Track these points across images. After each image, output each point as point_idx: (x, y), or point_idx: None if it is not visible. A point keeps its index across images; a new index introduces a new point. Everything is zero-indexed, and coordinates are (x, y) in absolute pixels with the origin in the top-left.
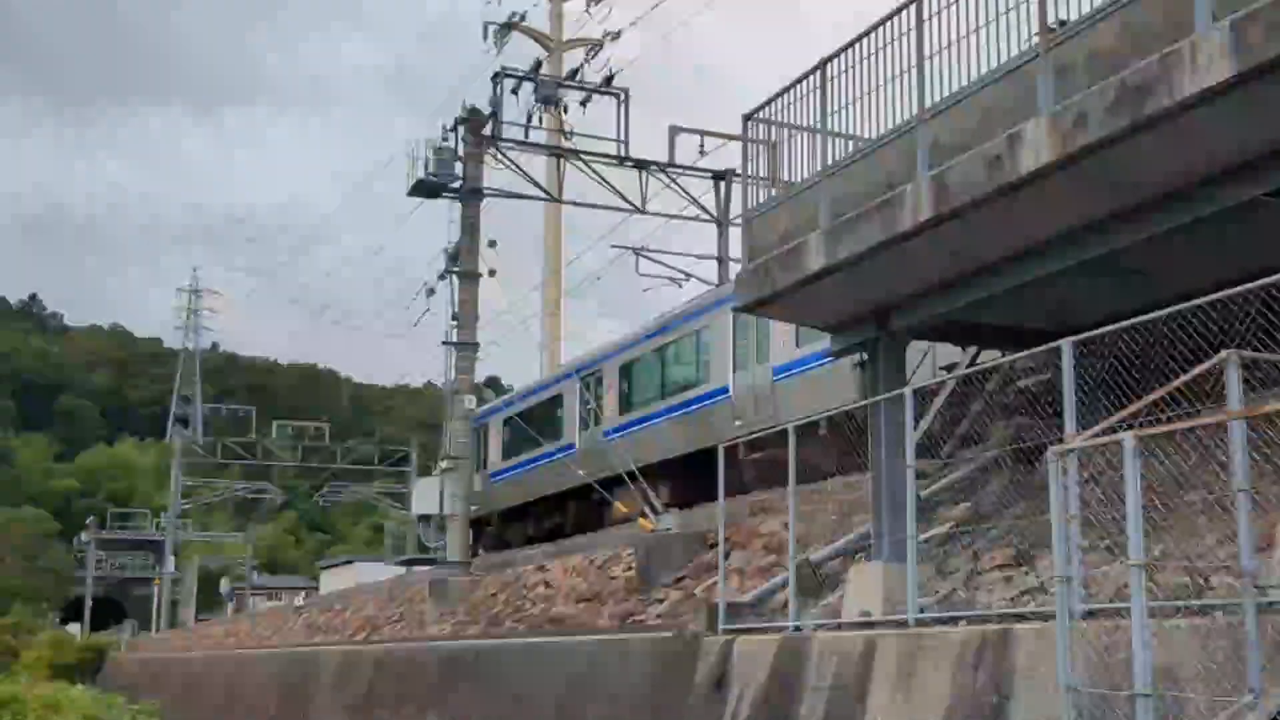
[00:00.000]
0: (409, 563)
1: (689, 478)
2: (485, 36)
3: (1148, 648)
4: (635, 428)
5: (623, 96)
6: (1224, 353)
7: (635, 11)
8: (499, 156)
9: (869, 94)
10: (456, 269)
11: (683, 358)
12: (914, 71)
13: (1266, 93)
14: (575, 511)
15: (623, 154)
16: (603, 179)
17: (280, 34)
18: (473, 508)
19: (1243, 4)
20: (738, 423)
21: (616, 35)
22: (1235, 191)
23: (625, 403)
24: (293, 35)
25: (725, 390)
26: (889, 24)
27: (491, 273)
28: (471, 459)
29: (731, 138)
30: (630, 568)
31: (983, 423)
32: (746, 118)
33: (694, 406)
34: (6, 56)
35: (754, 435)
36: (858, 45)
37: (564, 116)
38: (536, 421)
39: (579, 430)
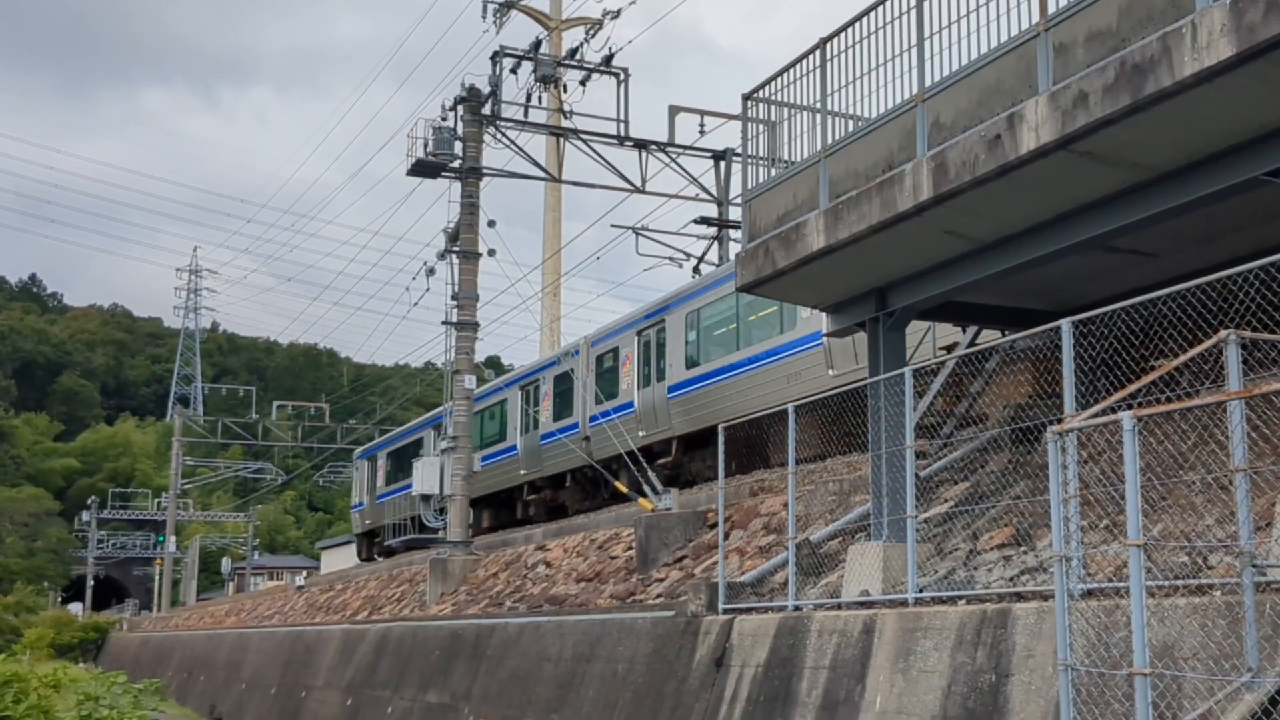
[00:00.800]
0: (410, 543)
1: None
2: (485, 15)
3: (1146, 627)
4: (489, 461)
5: (622, 76)
6: (1223, 333)
7: None
8: (498, 136)
9: (869, 73)
10: (456, 249)
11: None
12: (914, 50)
13: (1266, 72)
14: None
15: (622, 133)
16: (602, 159)
17: (280, 12)
18: (366, 521)
19: None
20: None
21: (616, 14)
22: (1235, 171)
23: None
24: (293, 13)
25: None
26: (889, 2)
27: (491, 252)
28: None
29: (731, 117)
30: (630, 547)
31: (983, 402)
32: (746, 97)
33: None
34: (8, 35)
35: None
36: (858, 24)
37: (563, 96)
38: (406, 456)
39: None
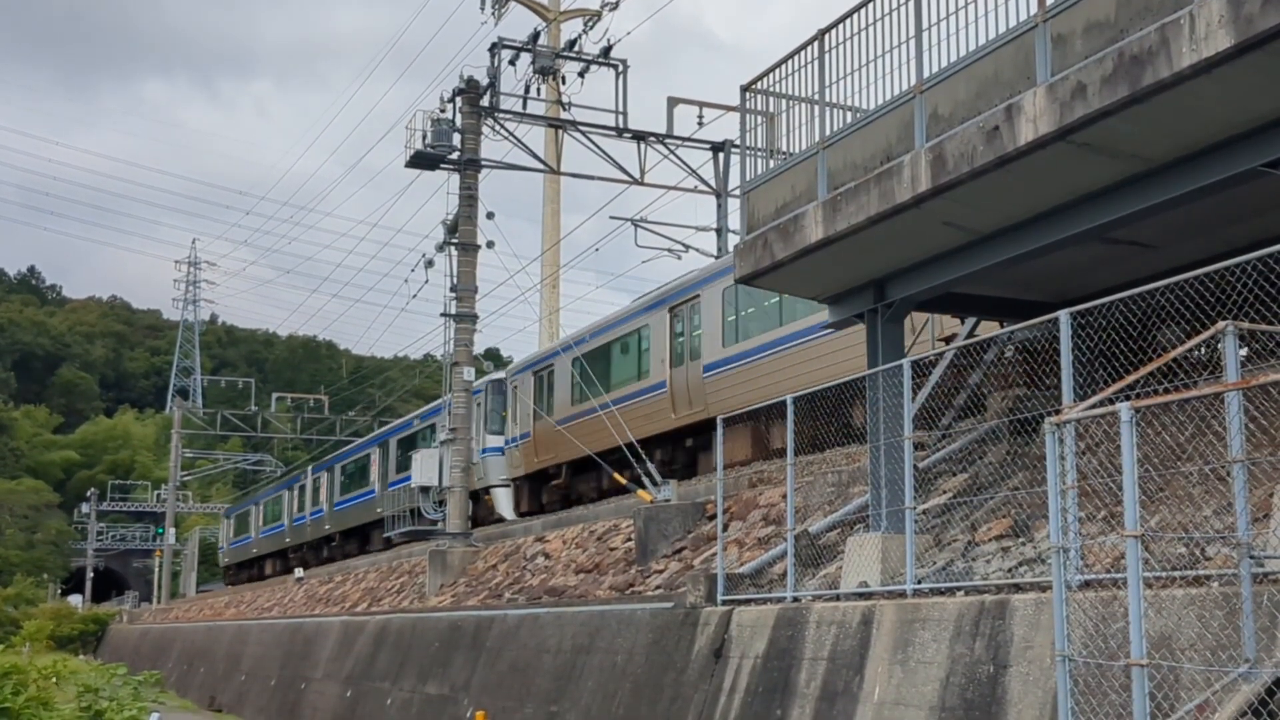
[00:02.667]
0: (409, 535)
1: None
2: (483, 7)
3: (1143, 618)
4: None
5: (621, 67)
6: (1221, 324)
7: None
8: (497, 127)
9: (867, 65)
10: (455, 241)
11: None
12: (912, 42)
13: (1264, 63)
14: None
15: (621, 125)
16: (601, 150)
17: (281, 2)
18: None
19: None
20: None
21: (615, 5)
22: (1233, 162)
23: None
24: (293, 4)
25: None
26: None
27: (490, 244)
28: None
29: (730, 109)
30: (629, 539)
31: (982, 393)
32: (744, 88)
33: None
34: (10, 27)
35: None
36: (856, 15)
37: (562, 87)
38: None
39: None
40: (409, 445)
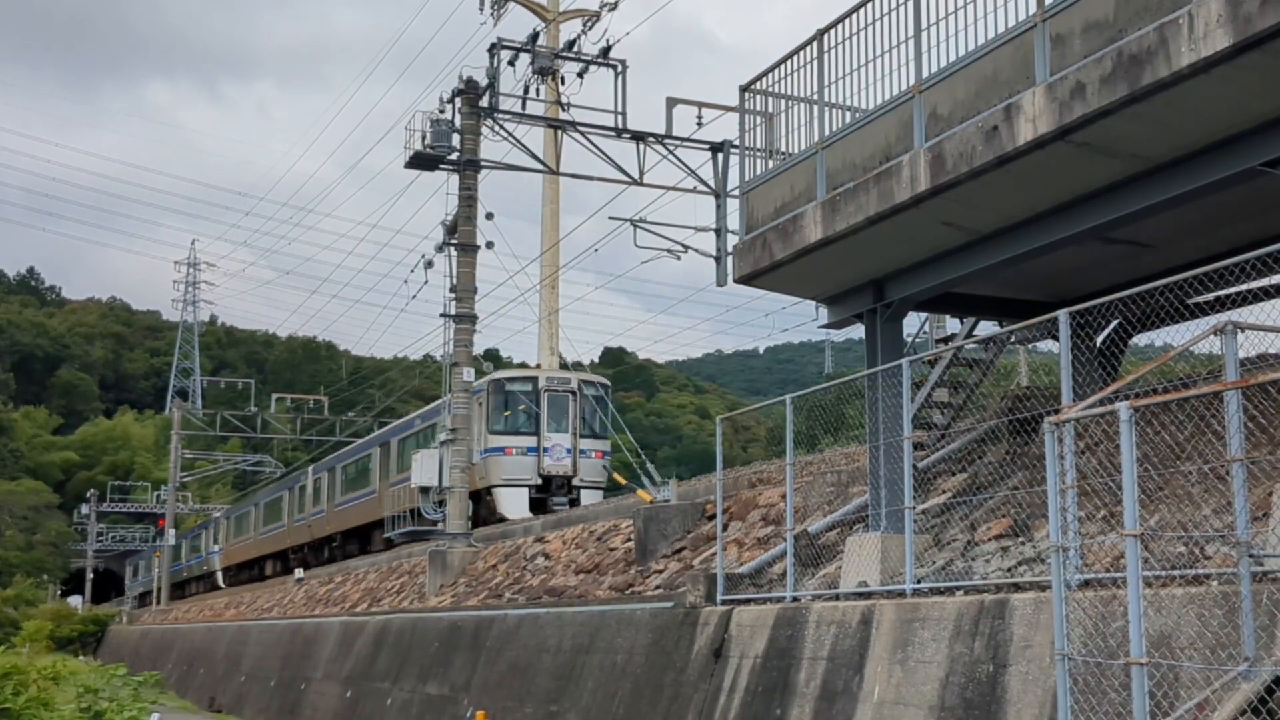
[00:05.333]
0: (409, 535)
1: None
2: (482, 7)
3: (1143, 617)
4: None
5: (620, 68)
6: (1220, 321)
7: None
8: (496, 128)
9: (866, 65)
10: (454, 241)
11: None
12: (911, 42)
13: (1263, 63)
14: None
15: (620, 125)
16: (600, 151)
17: (282, 4)
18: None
19: None
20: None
21: (614, 6)
22: (1232, 162)
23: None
24: (294, 6)
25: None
26: None
27: (489, 245)
28: (469, 430)
29: (729, 109)
30: (629, 539)
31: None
32: (743, 88)
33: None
34: (14, 29)
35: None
36: (855, 15)
37: (561, 88)
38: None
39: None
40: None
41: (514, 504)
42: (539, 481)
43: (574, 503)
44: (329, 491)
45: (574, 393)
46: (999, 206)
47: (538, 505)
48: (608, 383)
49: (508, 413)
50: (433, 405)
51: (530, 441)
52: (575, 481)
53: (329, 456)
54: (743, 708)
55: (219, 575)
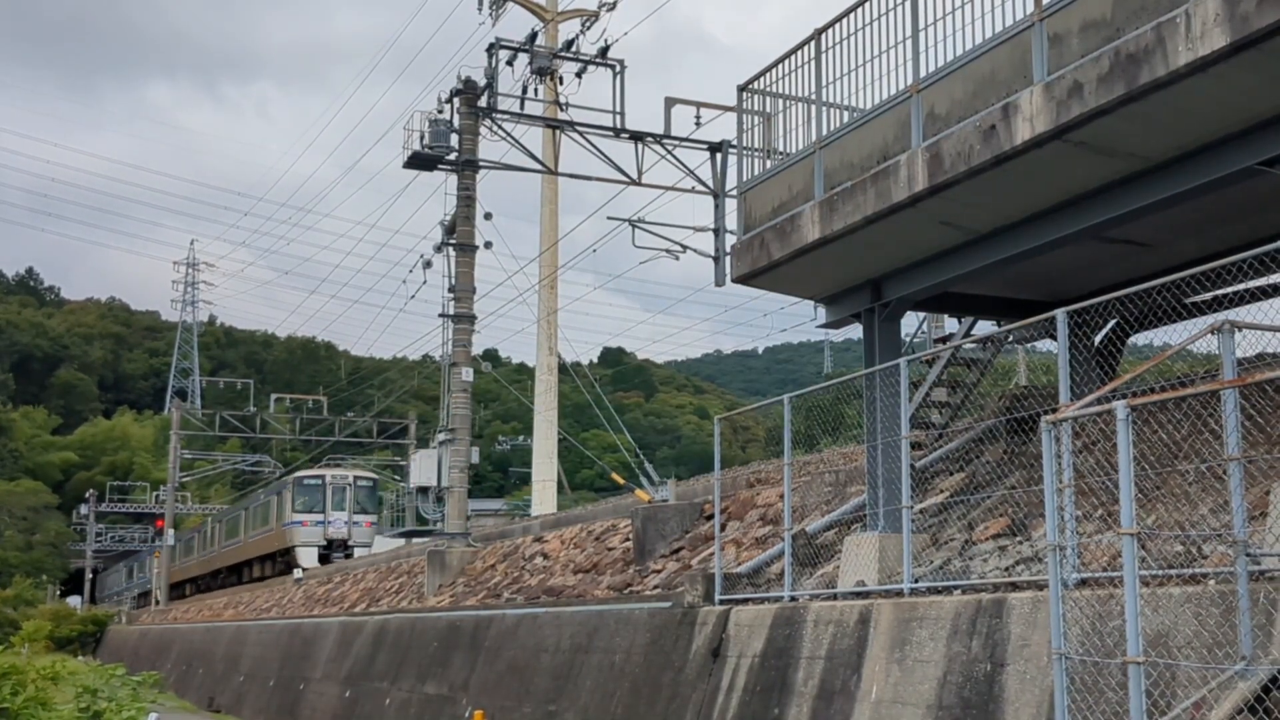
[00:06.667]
0: (408, 534)
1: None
2: (481, 7)
3: (1140, 616)
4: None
5: (618, 68)
6: (1217, 319)
7: None
8: (494, 128)
9: (864, 64)
10: (453, 241)
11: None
12: (908, 42)
13: (1259, 62)
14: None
15: (619, 126)
16: (599, 151)
17: (283, 5)
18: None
19: None
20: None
21: (612, 6)
22: (1229, 161)
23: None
24: (294, 6)
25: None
26: None
27: (488, 245)
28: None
29: (727, 109)
30: (627, 539)
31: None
32: (741, 88)
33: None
34: (15, 31)
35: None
36: (853, 15)
37: (559, 88)
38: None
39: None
40: (257, 514)
41: (308, 557)
42: (325, 543)
43: (348, 555)
44: (218, 537)
45: (349, 485)
46: (997, 206)
47: (324, 559)
48: (376, 477)
49: (305, 498)
50: (272, 485)
51: (319, 517)
52: (350, 542)
53: (221, 510)
54: (741, 707)
55: (156, 594)
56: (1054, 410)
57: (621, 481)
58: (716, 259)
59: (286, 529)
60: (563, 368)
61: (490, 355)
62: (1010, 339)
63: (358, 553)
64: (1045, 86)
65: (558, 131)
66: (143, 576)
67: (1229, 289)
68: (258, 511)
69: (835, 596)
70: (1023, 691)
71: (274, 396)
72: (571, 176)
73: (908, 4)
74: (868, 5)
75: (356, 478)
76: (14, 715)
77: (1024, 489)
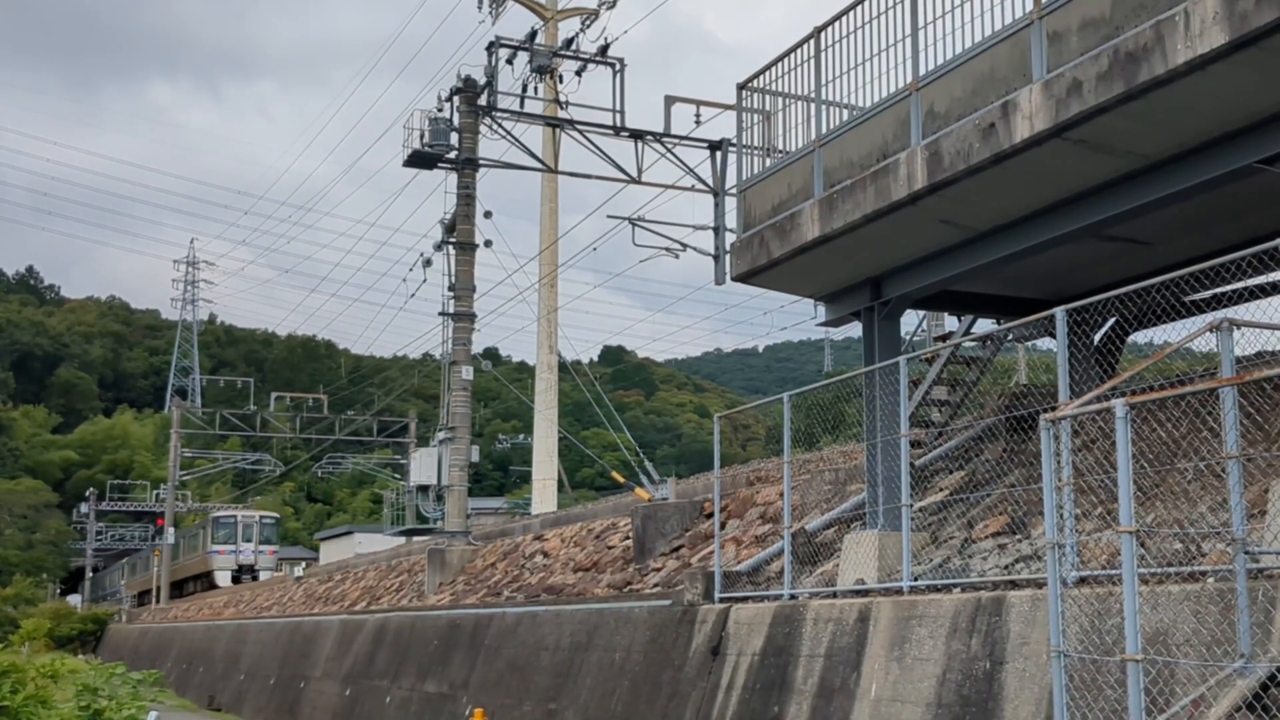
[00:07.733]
0: (408, 533)
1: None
2: (480, 6)
3: (1139, 614)
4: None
5: (618, 66)
6: (1216, 317)
7: None
8: (494, 127)
9: (864, 63)
10: (453, 240)
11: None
12: (908, 40)
13: (1259, 60)
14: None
15: (618, 124)
16: (598, 149)
17: (284, 5)
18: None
19: None
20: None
21: (612, 4)
22: (1228, 159)
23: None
24: (296, 6)
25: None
26: None
27: (488, 243)
28: (468, 432)
29: (726, 107)
30: (627, 537)
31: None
32: (741, 86)
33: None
34: (18, 31)
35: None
36: (852, 13)
37: (559, 86)
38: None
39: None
40: (183, 546)
41: (224, 579)
42: (236, 568)
43: (255, 578)
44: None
45: (255, 522)
46: (996, 204)
47: (235, 579)
48: (278, 515)
49: (222, 532)
50: (193, 525)
51: (232, 547)
52: (256, 567)
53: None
54: (740, 705)
55: (126, 599)
56: (1053, 408)
57: (621, 480)
58: (716, 257)
59: (208, 555)
60: (563, 366)
61: (490, 354)
62: (1010, 337)
63: (262, 575)
64: (1044, 84)
65: (558, 130)
66: (113, 588)
67: (1228, 287)
68: (190, 541)
69: (835, 594)
70: (1022, 689)
71: (274, 395)
72: (571, 175)
73: (907, 2)
74: (867, 3)
75: (262, 516)
76: (14, 713)
77: (1023, 487)
